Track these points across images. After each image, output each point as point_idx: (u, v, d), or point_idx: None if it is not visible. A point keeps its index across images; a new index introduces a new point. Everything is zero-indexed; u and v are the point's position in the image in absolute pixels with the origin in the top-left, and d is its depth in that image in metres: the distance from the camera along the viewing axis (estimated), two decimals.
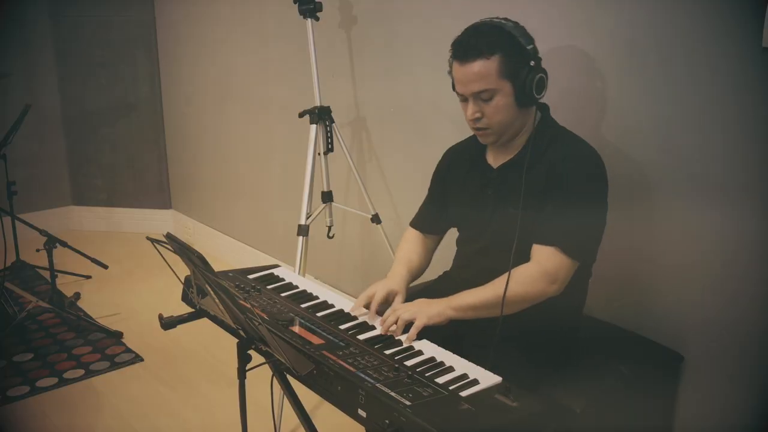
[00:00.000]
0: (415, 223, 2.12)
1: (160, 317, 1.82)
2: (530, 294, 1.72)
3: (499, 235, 1.84)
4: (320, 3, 2.69)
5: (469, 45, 1.73)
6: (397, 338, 1.68)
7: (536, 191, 1.77)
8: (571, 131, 1.89)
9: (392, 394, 1.38)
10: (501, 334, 1.68)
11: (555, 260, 1.72)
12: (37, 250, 3.37)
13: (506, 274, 1.71)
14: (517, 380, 1.47)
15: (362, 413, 1.40)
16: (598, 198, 1.79)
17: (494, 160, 1.90)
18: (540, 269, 1.72)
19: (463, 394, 1.42)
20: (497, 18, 1.79)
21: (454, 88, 1.82)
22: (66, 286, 3.71)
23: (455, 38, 1.79)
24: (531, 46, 1.76)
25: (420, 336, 1.67)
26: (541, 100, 1.84)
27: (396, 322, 1.69)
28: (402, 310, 1.71)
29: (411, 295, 1.89)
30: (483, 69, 1.72)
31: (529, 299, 1.72)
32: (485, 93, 1.74)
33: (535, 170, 1.79)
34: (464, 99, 1.79)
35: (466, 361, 1.56)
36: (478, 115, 1.77)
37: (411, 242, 2.08)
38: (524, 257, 1.76)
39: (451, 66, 1.80)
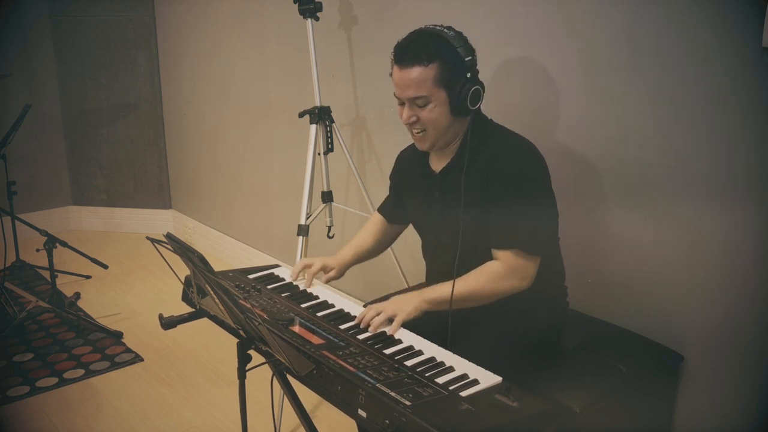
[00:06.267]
0: (382, 210, 2.22)
1: (160, 317, 1.82)
2: (502, 291, 1.80)
3: (449, 235, 1.89)
4: (320, 3, 2.69)
5: (408, 50, 1.77)
6: (380, 330, 1.71)
7: (476, 190, 1.82)
8: (505, 127, 1.92)
9: (392, 394, 1.38)
10: (479, 323, 1.82)
11: (519, 260, 1.79)
12: (37, 250, 3.37)
13: (475, 270, 1.79)
14: (510, 369, 1.53)
15: (362, 413, 1.40)
16: (540, 189, 1.85)
17: (436, 164, 1.95)
18: (508, 268, 1.79)
19: (464, 394, 1.42)
20: (441, 26, 1.81)
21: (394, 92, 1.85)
22: (66, 286, 3.71)
23: (398, 41, 1.82)
24: (469, 58, 1.79)
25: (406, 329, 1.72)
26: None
27: (374, 318, 1.73)
28: (381, 307, 1.76)
29: None
30: (420, 76, 1.75)
31: (500, 295, 1.80)
32: (420, 99, 1.78)
33: (473, 170, 1.83)
34: (401, 103, 1.83)
35: (467, 361, 1.56)
36: (413, 119, 1.82)
37: (372, 225, 2.20)
38: (471, 255, 1.82)
39: (392, 68, 1.83)
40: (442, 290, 1.80)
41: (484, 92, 1.83)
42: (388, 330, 1.71)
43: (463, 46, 1.78)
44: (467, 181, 1.82)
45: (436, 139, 1.84)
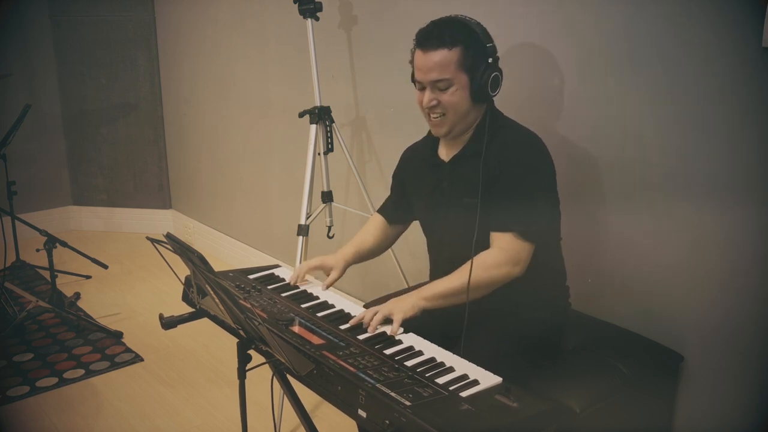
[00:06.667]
0: (381, 211, 2.22)
1: (161, 317, 1.82)
2: (496, 278, 1.80)
3: (456, 225, 1.90)
4: (320, 3, 2.69)
5: (432, 34, 1.80)
6: (380, 330, 1.71)
7: (485, 179, 1.84)
8: (516, 121, 1.94)
9: (392, 394, 1.38)
10: (479, 323, 1.79)
11: (515, 244, 1.80)
12: (37, 250, 3.37)
13: (470, 262, 1.79)
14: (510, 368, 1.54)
15: (362, 413, 1.40)
16: (543, 181, 1.87)
17: (445, 153, 1.96)
18: (502, 254, 1.80)
19: (464, 394, 1.42)
20: (461, 15, 1.85)
21: (413, 79, 1.87)
22: (66, 286, 3.71)
23: (420, 28, 1.84)
24: (490, 45, 1.83)
25: (407, 330, 1.72)
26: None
27: (372, 319, 1.73)
28: (379, 308, 1.76)
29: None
30: (444, 59, 1.78)
31: (495, 282, 1.81)
32: (442, 82, 1.80)
33: (484, 159, 1.85)
34: (422, 87, 1.85)
35: (467, 362, 1.56)
36: (434, 102, 1.83)
37: (372, 225, 2.19)
38: (480, 244, 1.82)
39: (413, 55, 1.86)
40: (438, 286, 1.81)
41: (502, 79, 1.85)
42: (389, 330, 1.71)
43: (484, 33, 1.83)
44: (478, 169, 1.83)
45: (454, 124, 1.86)
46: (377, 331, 1.71)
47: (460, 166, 1.91)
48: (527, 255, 1.81)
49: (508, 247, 1.80)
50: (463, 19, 1.83)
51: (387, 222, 2.18)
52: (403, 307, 1.75)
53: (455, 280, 1.79)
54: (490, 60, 1.82)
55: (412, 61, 1.86)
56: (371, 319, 1.73)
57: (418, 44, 1.83)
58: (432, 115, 1.86)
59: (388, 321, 1.74)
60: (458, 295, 1.78)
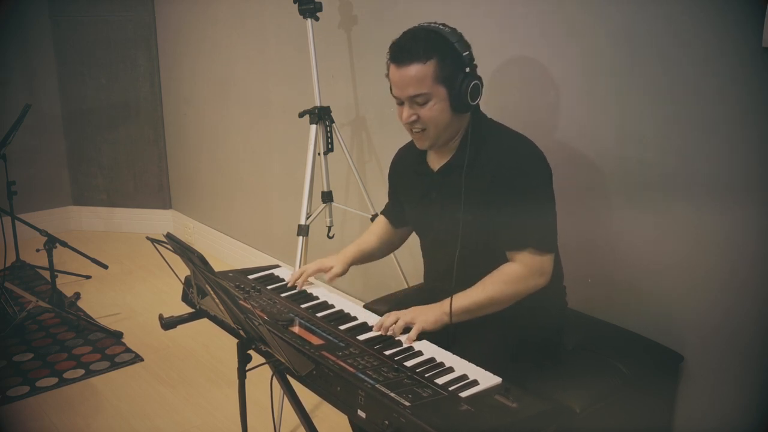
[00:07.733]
0: (385, 213, 2.20)
1: (161, 317, 1.82)
2: (522, 291, 1.79)
3: (448, 234, 1.87)
4: (320, 3, 2.69)
5: (405, 48, 1.74)
6: (397, 338, 1.68)
7: (478, 189, 1.81)
8: (503, 124, 1.90)
9: (392, 394, 1.38)
10: (479, 323, 1.78)
11: (535, 258, 1.79)
12: (37, 250, 3.37)
13: (491, 275, 1.79)
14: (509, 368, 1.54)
15: (362, 414, 1.40)
16: (545, 187, 1.84)
17: (434, 162, 1.93)
18: (525, 268, 1.78)
19: (463, 394, 1.42)
20: (435, 23, 1.80)
21: (391, 92, 1.82)
22: (66, 286, 3.71)
23: (393, 41, 1.79)
24: (467, 53, 1.77)
25: (419, 337, 1.69)
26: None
27: (394, 324, 1.71)
28: (401, 314, 1.73)
29: (394, 303, 2.01)
30: (419, 73, 1.73)
31: (522, 295, 1.79)
32: (420, 97, 1.75)
33: (475, 168, 1.81)
34: (400, 102, 1.81)
35: (466, 362, 1.56)
36: (414, 117, 1.79)
37: (376, 226, 2.19)
38: (472, 254, 1.81)
39: (388, 68, 1.80)
40: (462, 300, 1.76)
41: (482, 87, 1.81)
42: (405, 338, 1.68)
43: (459, 41, 1.77)
44: (468, 179, 1.81)
45: (437, 137, 1.82)
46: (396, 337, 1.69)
47: (448, 177, 1.87)
48: (549, 265, 1.80)
49: (529, 261, 1.78)
50: (436, 29, 1.76)
51: (391, 225, 2.17)
52: (426, 318, 1.71)
53: (480, 293, 1.76)
54: (467, 69, 1.75)
55: (387, 75, 1.81)
56: (391, 326, 1.70)
57: (392, 59, 1.77)
58: (413, 130, 1.82)
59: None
60: (482, 309, 1.76)
